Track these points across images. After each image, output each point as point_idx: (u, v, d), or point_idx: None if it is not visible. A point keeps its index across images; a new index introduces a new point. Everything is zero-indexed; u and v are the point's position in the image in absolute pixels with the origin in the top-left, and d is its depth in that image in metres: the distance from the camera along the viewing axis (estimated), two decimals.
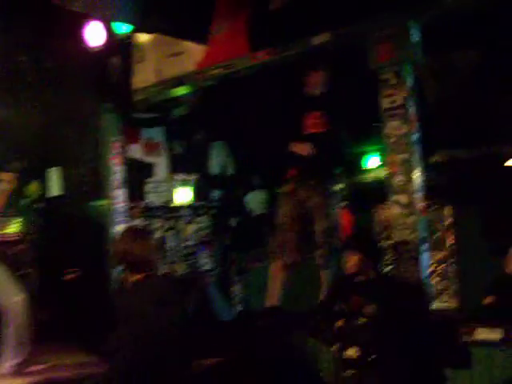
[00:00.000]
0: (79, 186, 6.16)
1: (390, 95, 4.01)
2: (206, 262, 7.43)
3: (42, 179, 5.98)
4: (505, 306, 3.54)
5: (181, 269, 7.18)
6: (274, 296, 4.63)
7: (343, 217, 8.22)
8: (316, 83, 4.44)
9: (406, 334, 3.46)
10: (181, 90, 5.47)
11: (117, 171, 6.07)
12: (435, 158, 6.91)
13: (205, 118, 7.15)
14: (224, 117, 6.88)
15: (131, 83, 5.73)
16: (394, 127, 3.99)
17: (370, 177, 8.91)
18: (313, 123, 4.41)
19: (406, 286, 3.71)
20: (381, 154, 8.58)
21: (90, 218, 6.08)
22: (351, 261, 3.75)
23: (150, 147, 7.20)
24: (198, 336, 3.56)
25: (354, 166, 8.96)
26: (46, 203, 5.94)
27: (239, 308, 7.35)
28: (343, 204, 8.79)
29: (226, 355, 3.79)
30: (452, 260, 7.54)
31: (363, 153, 8.78)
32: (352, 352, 3.53)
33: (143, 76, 5.62)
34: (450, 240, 7.48)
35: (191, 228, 7.43)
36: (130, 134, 6.85)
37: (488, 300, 3.70)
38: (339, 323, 3.76)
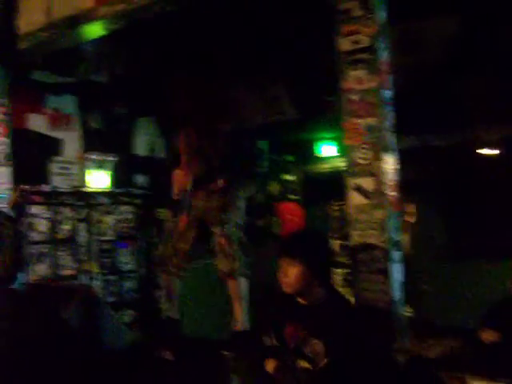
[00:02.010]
0: None
1: (352, 33, 2.72)
2: (126, 260, 6.31)
3: None
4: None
5: (94, 269, 6.03)
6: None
7: (291, 212, 7.20)
8: None
9: None
10: (77, 36, 4.11)
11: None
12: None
13: (129, 85, 5.89)
14: (153, 84, 5.58)
15: (15, 27, 4.35)
16: (356, 78, 2.69)
17: (326, 167, 7.85)
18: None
19: (369, 314, 2.47)
20: (336, 141, 7.53)
21: None
22: (289, 274, 2.49)
23: (58, 119, 5.98)
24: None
25: (306, 155, 7.90)
26: None
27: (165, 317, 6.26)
28: (292, 197, 7.77)
29: None
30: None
31: (317, 139, 7.70)
32: None
33: (30, 17, 4.25)
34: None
35: (109, 220, 6.24)
36: (30, 100, 5.64)
37: (486, 335, 2.47)
38: (270, 365, 2.52)
